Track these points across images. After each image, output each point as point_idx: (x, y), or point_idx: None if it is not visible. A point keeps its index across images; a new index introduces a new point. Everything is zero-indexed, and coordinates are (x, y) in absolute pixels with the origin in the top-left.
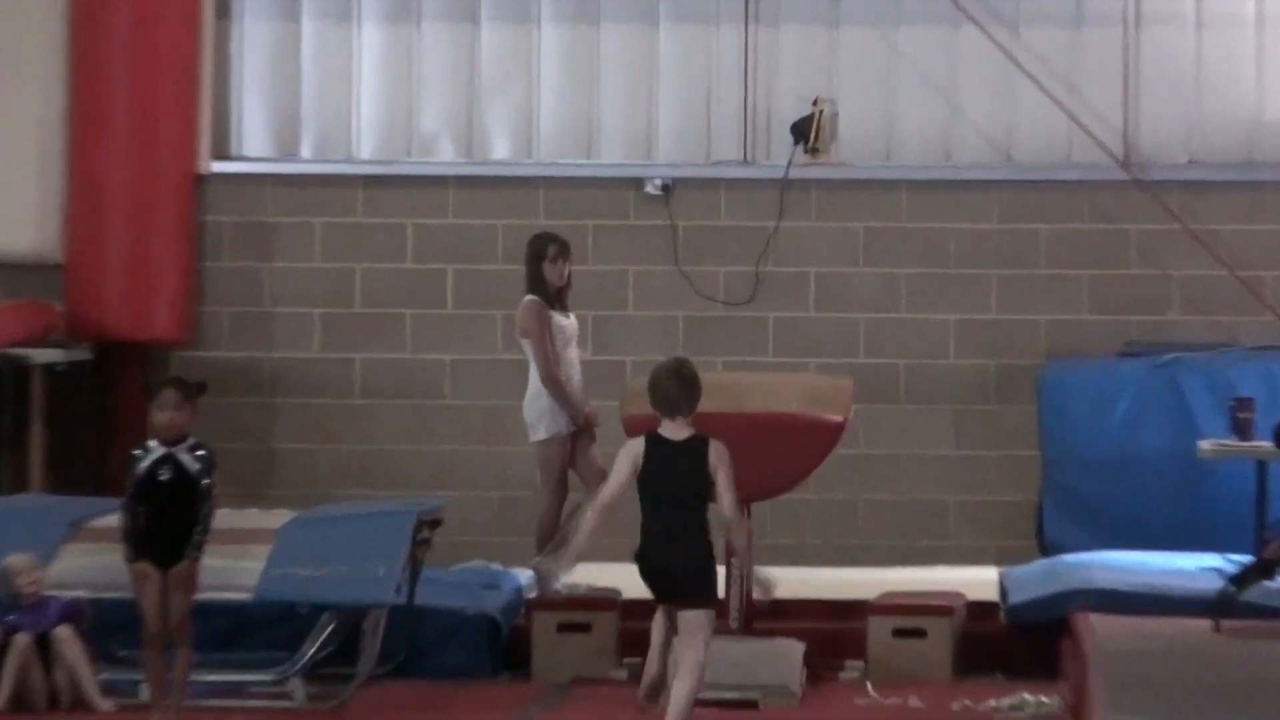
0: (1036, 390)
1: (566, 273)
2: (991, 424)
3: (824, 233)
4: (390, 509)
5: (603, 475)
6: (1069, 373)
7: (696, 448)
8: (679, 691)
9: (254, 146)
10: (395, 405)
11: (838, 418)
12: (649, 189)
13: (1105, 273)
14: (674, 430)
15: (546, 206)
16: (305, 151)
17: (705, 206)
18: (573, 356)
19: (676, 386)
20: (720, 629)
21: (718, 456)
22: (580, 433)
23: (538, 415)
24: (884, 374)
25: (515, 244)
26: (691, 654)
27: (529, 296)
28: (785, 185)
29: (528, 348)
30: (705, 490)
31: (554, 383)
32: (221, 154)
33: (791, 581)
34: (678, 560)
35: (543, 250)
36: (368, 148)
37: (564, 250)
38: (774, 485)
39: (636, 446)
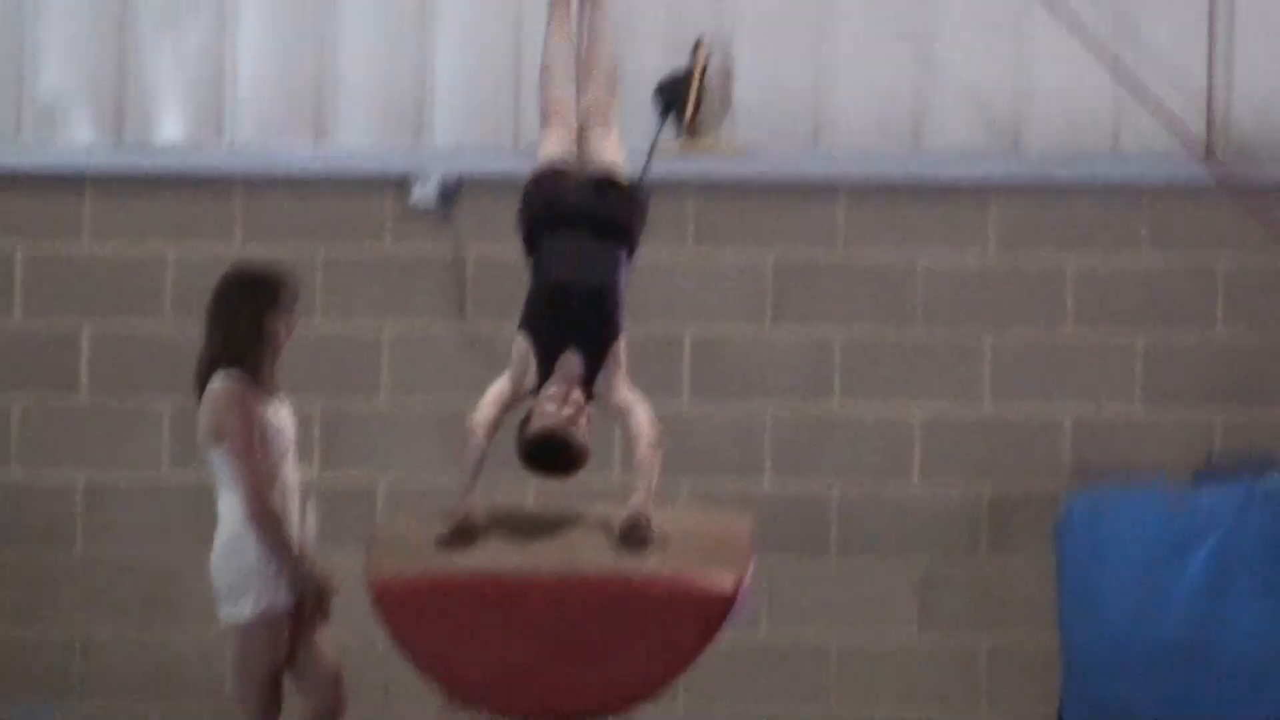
0: (1056, 536)
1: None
2: (980, 593)
3: (708, 268)
4: None
5: (335, 684)
6: (1111, 506)
7: None
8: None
9: None
10: None
11: (728, 580)
12: (418, 194)
13: (1174, 336)
14: None
15: (247, 221)
16: None
17: (511, 224)
18: (290, 478)
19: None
20: None
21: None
22: (304, 611)
23: (239, 578)
24: (806, 507)
25: (195, 283)
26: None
27: (225, 373)
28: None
29: (221, 461)
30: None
31: (269, 521)
32: None
33: None
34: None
35: (274, 295)
36: None
37: (295, 298)
38: (620, 696)
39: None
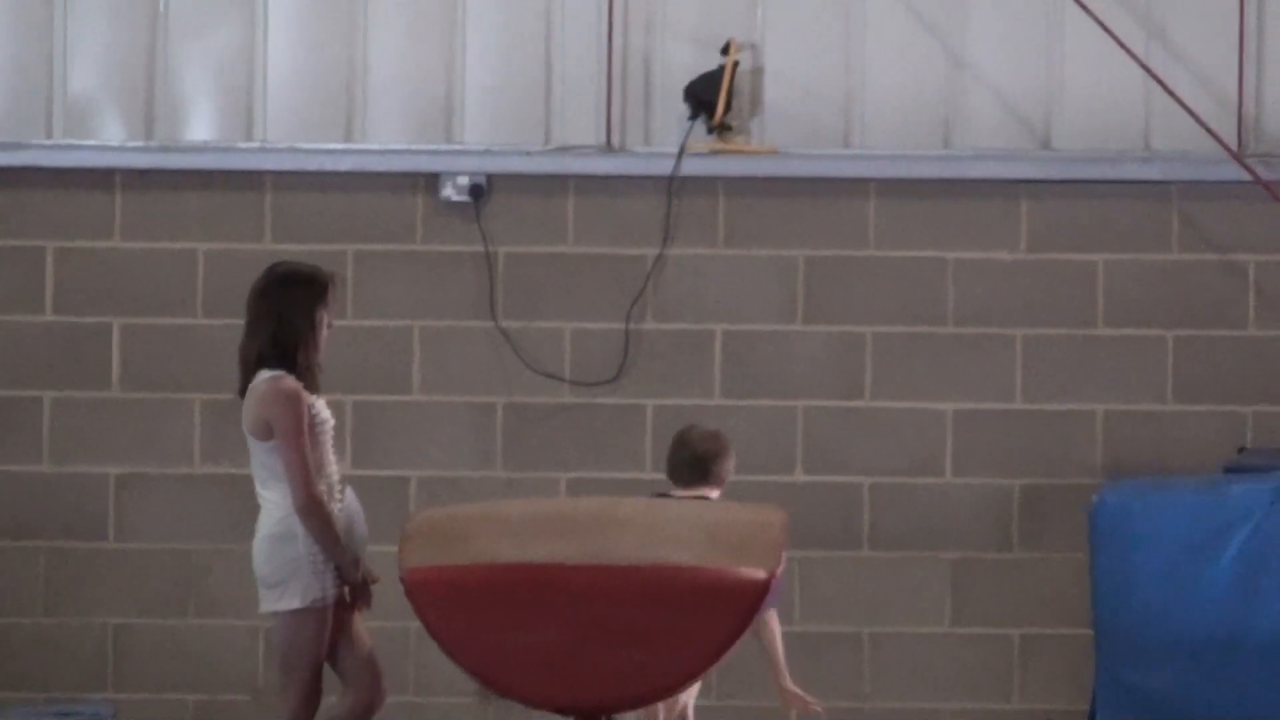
0: (1090, 529)
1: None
2: (1013, 585)
3: (739, 266)
4: None
5: (375, 676)
6: (1141, 502)
7: None
8: None
9: None
10: (23, 550)
11: (760, 573)
12: (448, 192)
13: (1205, 333)
14: None
15: (277, 220)
16: None
17: (542, 222)
18: (334, 471)
19: (684, 454)
20: None
21: None
22: (344, 602)
23: (285, 568)
24: (837, 501)
25: (225, 281)
26: None
27: (273, 373)
28: (676, 187)
29: (269, 454)
30: None
31: (319, 513)
32: None
33: None
34: None
35: (321, 292)
36: None
37: (336, 293)
38: (655, 685)
39: None
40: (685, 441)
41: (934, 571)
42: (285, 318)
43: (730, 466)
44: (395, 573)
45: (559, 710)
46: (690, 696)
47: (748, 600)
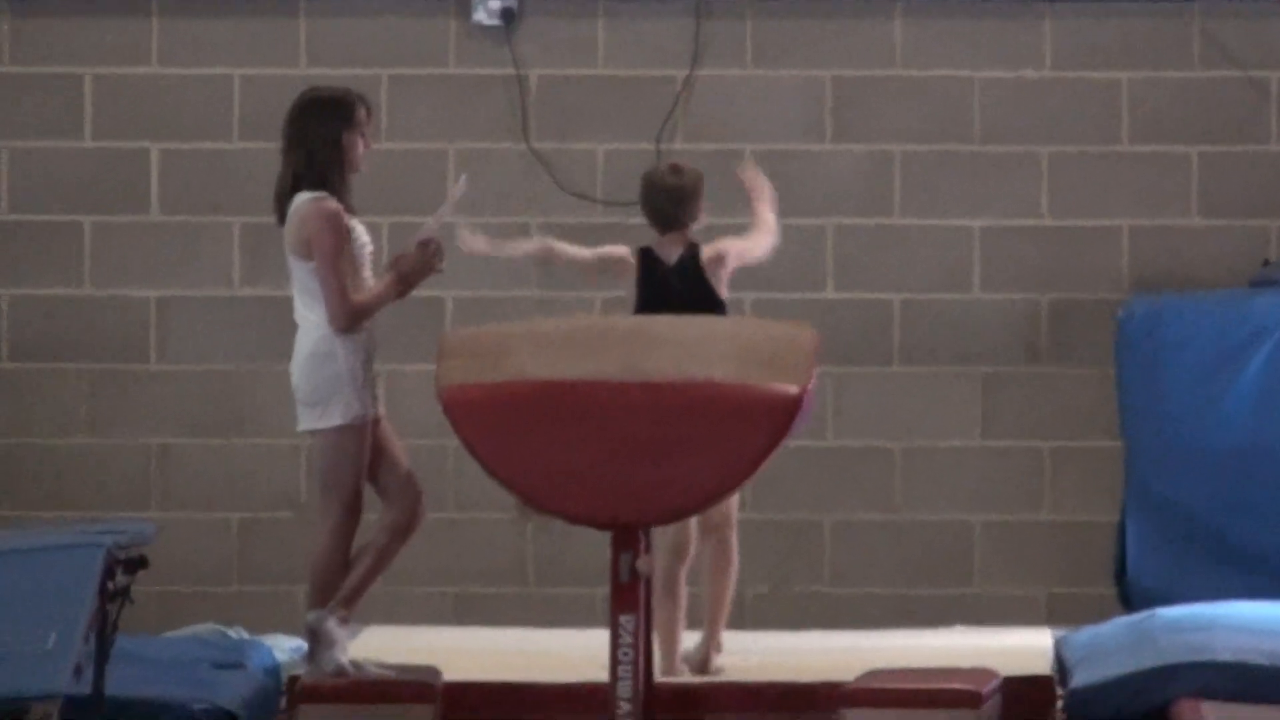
0: (1116, 342)
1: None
2: (1042, 398)
3: (767, 86)
4: (63, 542)
5: (415, 495)
6: (1169, 314)
7: (692, 265)
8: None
9: None
10: (67, 372)
11: (792, 388)
12: (480, 16)
13: (1228, 149)
14: (668, 248)
15: (311, 44)
16: None
17: (572, 44)
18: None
19: (665, 196)
20: None
21: (713, 252)
22: (380, 425)
23: (326, 387)
24: (868, 317)
25: (261, 106)
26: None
27: (314, 194)
28: (703, 9)
29: (305, 276)
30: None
31: (360, 313)
32: None
33: (726, 651)
34: None
35: (349, 114)
36: None
37: (370, 118)
38: (689, 498)
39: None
40: (655, 183)
41: (964, 386)
42: (317, 140)
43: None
44: (432, 391)
45: (597, 525)
46: (732, 509)
47: (781, 415)
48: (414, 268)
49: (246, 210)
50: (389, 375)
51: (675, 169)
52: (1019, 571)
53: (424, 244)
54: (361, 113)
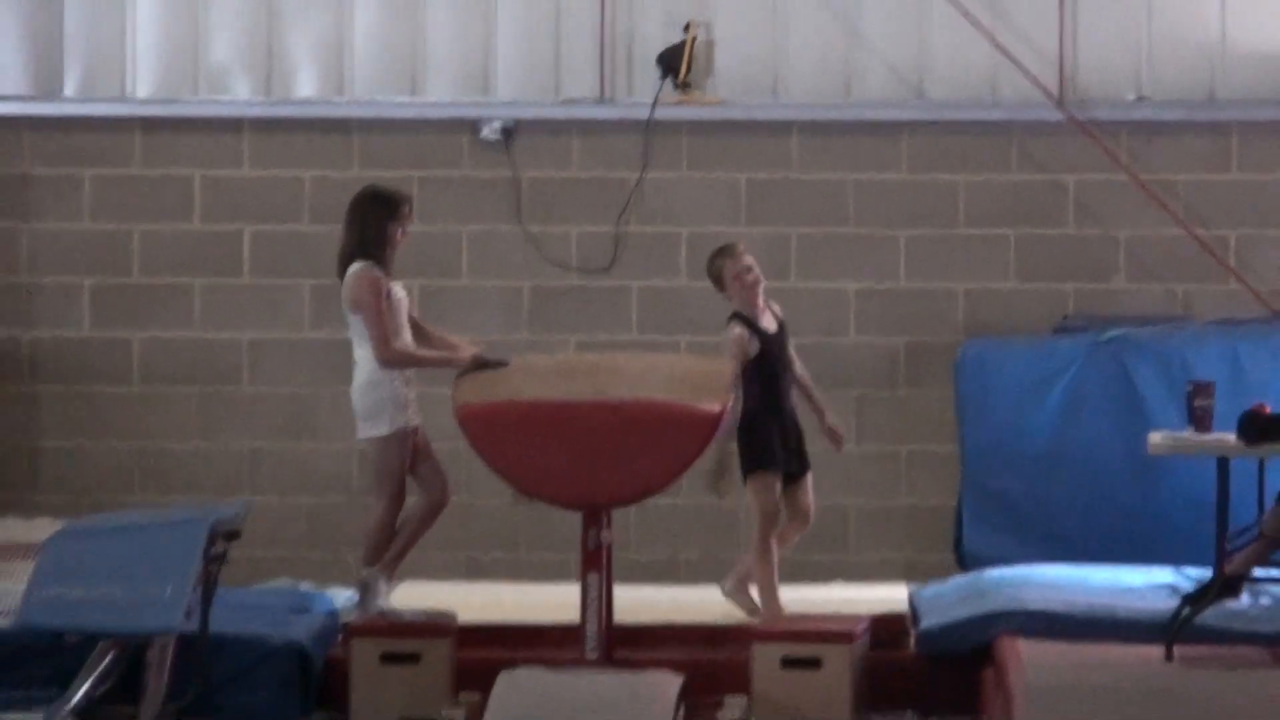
0: (955, 373)
1: None
2: (900, 414)
3: (698, 185)
4: (178, 517)
5: (444, 483)
6: (993, 352)
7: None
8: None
9: (7, 83)
10: (183, 393)
11: (714, 407)
12: (486, 133)
13: (1037, 232)
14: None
15: (362, 154)
16: (70, 88)
17: (554, 154)
18: (406, 335)
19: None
20: (577, 659)
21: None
22: (418, 432)
23: (376, 406)
24: None
25: (324, 198)
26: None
27: (362, 264)
28: (651, 128)
29: (358, 325)
30: None
31: (396, 360)
32: None
33: (661, 602)
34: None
35: (396, 208)
36: (146, 84)
37: (410, 210)
38: (639, 487)
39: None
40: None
41: (843, 404)
42: (370, 224)
43: (730, 265)
44: (451, 408)
45: (571, 506)
46: (809, 496)
47: (706, 427)
48: (464, 369)
49: (315, 275)
50: (422, 397)
51: (709, 258)
52: (883, 541)
53: (481, 363)
54: (405, 209)
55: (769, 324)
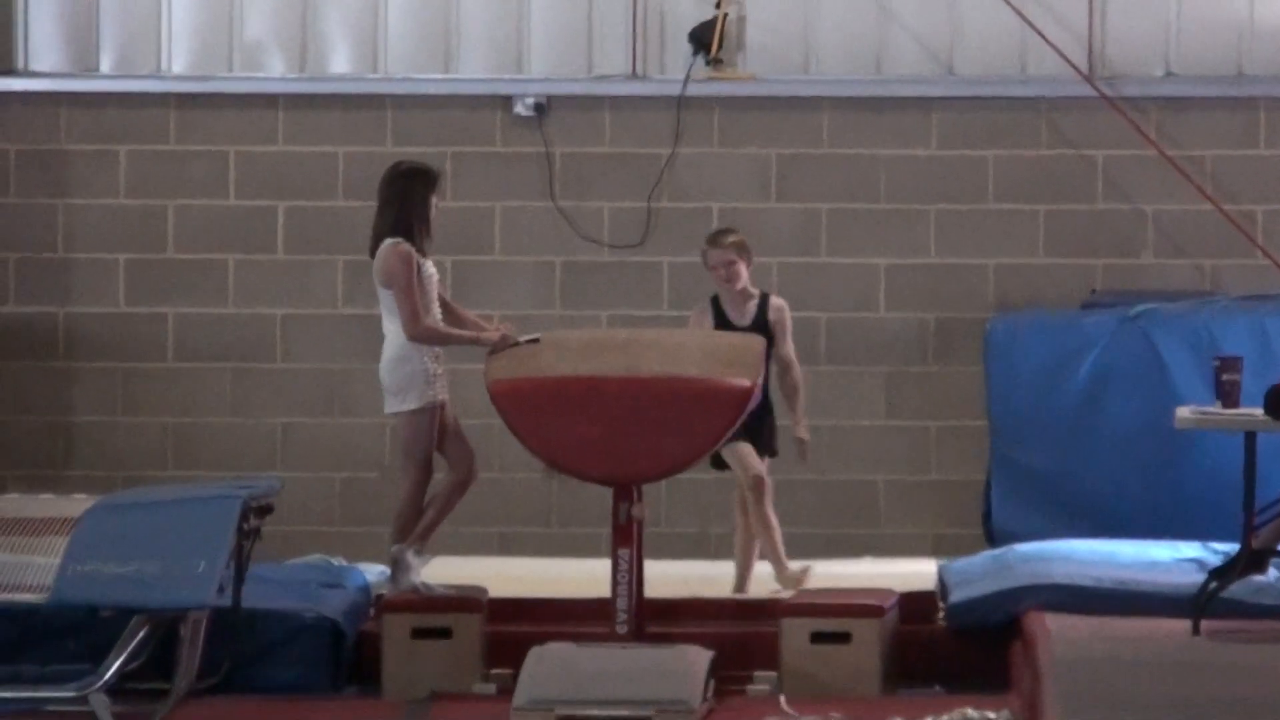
0: (984, 348)
1: None
2: (930, 389)
3: (729, 161)
4: (211, 493)
5: (471, 459)
6: (1022, 327)
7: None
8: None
9: (44, 59)
10: (216, 369)
11: (746, 382)
12: (519, 109)
13: (1066, 208)
14: None
15: (395, 130)
16: (106, 65)
17: (587, 130)
18: (437, 312)
19: None
20: (608, 634)
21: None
22: (446, 408)
23: (405, 381)
24: (802, 330)
25: (358, 175)
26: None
27: (395, 239)
28: (683, 104)
29: (389, 300)
30: None
31: (425, 336)
32: (4, 68)
33: (692, 577)
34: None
35: (432, 184)
36: (181, 61)
37: (441, 183)
38: (671, 462)
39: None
40: None
41: (873, 381)
42: (404, 200)
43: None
44: (483, 385)
45: (601, 482)
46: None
47: (738, 402)
48: (492, 346)
49: (347, 251)
50: (453, 372)
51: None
52: (912, 517)
53: (504, 341)
54: (437, 182)
55: (740, 318)
